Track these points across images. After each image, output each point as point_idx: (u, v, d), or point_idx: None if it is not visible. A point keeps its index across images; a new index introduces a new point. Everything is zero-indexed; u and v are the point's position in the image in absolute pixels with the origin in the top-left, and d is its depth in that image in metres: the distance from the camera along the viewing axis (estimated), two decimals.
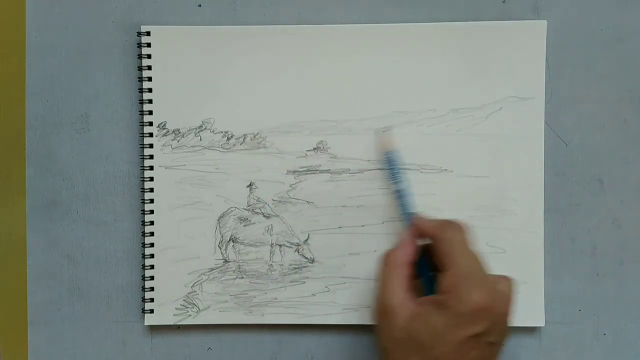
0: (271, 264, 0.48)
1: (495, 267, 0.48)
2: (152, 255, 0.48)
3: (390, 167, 0.47)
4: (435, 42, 0.47)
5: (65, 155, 0.49)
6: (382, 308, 0.40)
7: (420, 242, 0.43)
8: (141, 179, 0.49)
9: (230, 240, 0.49)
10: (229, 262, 0.49)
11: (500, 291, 0.39)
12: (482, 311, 0.37)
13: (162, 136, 0.48)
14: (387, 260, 0.42)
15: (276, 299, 0.48)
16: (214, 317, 0.48)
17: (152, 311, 0.49)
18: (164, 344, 0.50)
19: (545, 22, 0.47)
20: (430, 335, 0.37)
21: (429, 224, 0.42)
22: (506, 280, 0.40)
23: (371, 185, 0.48)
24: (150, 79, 0.48)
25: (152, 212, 0.48)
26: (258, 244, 0.49)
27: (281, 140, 0.48)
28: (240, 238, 0.49)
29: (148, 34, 0.48)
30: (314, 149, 0.48)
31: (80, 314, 0.50)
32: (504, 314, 0.39)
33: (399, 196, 0.46)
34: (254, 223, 0.49)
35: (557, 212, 0.48)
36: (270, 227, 0.48)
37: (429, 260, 0.42)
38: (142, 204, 0.49)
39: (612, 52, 0.48)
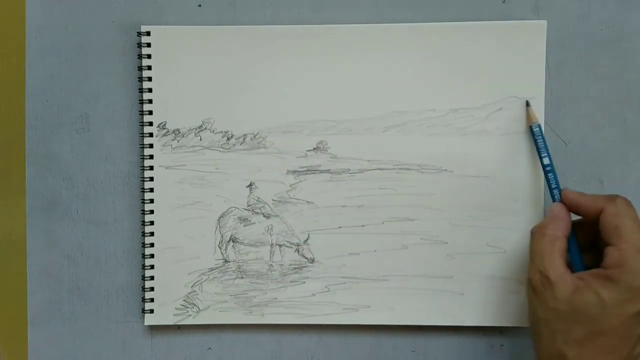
0: (271, 264, 0.48)
1: (495, 267, 0.48)
2: (152, 255, 0.48)
3: (538, 140, 0.46)
4: (435, 42, 0.47)
5: (65, 155, 0.49)
6: (541, 280, 0.40)
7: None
8: (141, 179, 0.49)
9: (230, 240, 0.49)
10: (229, 262, 0.49)
11: None
12: None
13: (162, 136, 0.48)
14: (544, 232, 0.42)
15: (276, 299, 0.48)
16: (214, 317, 0.48)
17: (152, 311, 0.49)
18: (164, 344, 0.50)
19: (545, 22, 0.47)
20: (598, 308, 0.38)
21: (592, 198, 0.42)
22: None
23: (371, 185, 0.48)
24: (150, 79, 0.48)
25: (152, 212, 0.48)
26: (258, 244, 0.49)
27: (281, 140, 0.48)
28: (240, 238, 0.49)
29: (148, 34, 0.48)
30: (314, 149, 0.48)
31: (80, 314, 0.50)
32: None
33: (549, 170, 0.45)
34: (254, 223, 0.49)
35: None
36: (270, 227, 0.48)
37: (577, 235, 0.43)
38: (142, 204, 0.49)
39: (612, 52, 0.48)
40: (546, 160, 0.45)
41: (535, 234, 0.42)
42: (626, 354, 0.38)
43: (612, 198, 0.41)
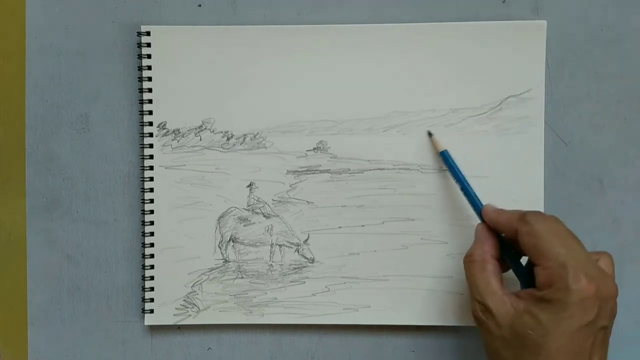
0: (271, 264, 0.48)
1: None
2: (152, 255, 0.48)
3: (449, 165, 0.46)
4: (435, 42, 0.47)
5: (65, 155, 0.49)
6: (481, 309, 0.39)
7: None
8: (141, 179, 0.49)
9: (230, 240, 0.49)
10: (229, 262, 0.49)
11: (602, 272, 0.38)
12: (589, 299, 0.36)
13: (162, 136, 0.48)
14: (472, 259, 0.41)
15: (276, 299, 0.48)
16: (214, 317, 0.48)
17: (152, 311, 0.49)
18: (164, 344, 0.50)
19: (545, 22, 0.47)
20: (539, 331, 0.36)
21: (503, 218, 0.41)
22: (605, 257, 0.39)
23: (371, 185, 0.48)
24: (150, 79, 0.48)
25: (152, 212, 0.48)
26: (258, 244, 0.49)
27: (281, 140, 0.48)
28: (240, 238, 0.49)
29: (148, 34, 0.48)
30: (314, 149, 0.48)
31: (80, 314, 0.50)
32: (611, 296, 0.37)
33: (465, 193, 0.45)
34: (254, 223, 0.49)
35: (557, 212, 0.48)
36: (270, 227, 0.49)
37: (514, 247, 0.42)
38: (142, 204, 0.49)
39: (612, 52, 0.48)
40: (463, 184, 0.45)
41: (465, 263, 0.41)
42: None
43: (522, 216, 0.39)
